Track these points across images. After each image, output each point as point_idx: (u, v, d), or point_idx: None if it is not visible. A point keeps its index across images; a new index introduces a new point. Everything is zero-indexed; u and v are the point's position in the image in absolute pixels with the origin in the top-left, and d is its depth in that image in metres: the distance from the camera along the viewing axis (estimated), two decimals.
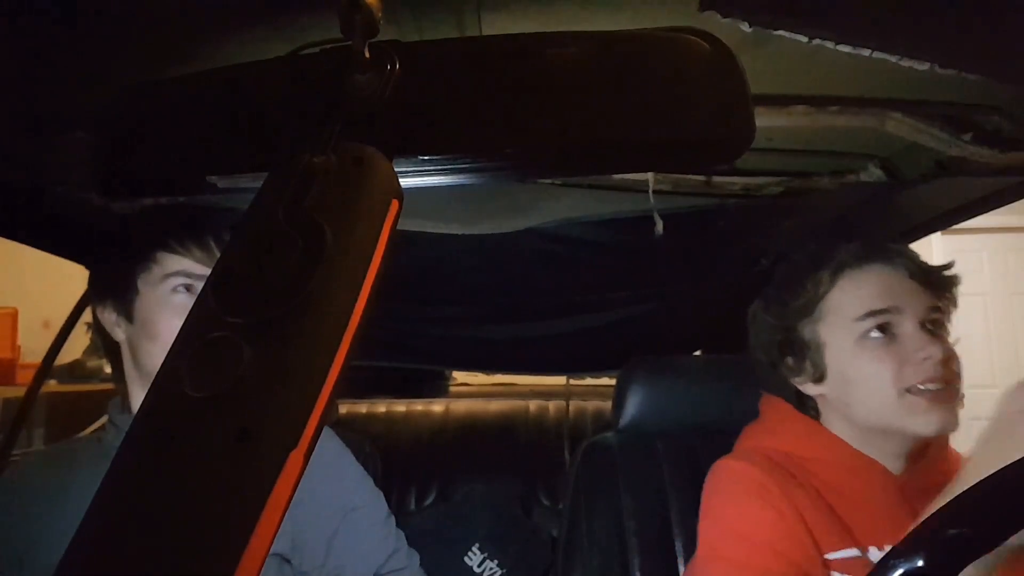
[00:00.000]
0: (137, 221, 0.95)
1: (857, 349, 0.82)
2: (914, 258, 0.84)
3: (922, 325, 0.82)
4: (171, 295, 0.90)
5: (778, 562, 0.76)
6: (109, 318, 0.94)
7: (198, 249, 0.90)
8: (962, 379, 0.81)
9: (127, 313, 0.92)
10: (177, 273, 0.90)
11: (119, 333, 0.94)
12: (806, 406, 0.91)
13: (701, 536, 0.84)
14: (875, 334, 0.82)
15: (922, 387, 0.79)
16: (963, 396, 0.80)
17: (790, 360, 0.90)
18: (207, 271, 0.91)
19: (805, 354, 0.87)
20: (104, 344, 0.98)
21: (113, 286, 0.94)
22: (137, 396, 0.94)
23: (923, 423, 0.78)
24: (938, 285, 0.84)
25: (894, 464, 0.84)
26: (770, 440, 0.90)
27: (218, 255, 0.92)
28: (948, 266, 0.86)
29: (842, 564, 0.77)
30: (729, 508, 0.83)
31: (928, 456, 0.85)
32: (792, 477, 0.83)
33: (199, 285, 0.91)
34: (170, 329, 0.90)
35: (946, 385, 0.79)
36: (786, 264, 0.91)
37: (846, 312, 0.84)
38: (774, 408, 0.94)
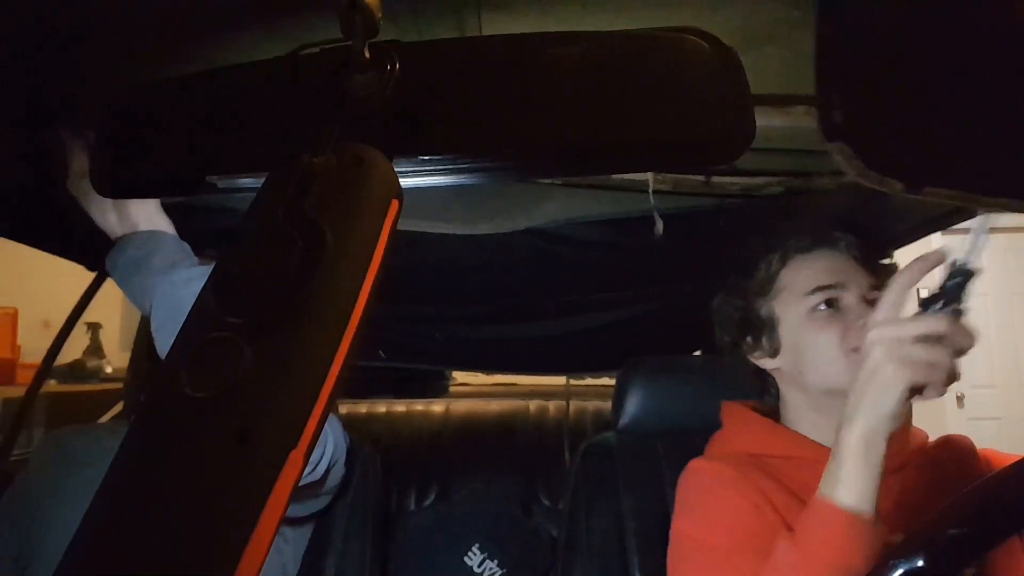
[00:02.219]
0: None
1: (807, 321, 0.90)
2: (858, 244, 0.92)
3: (864, 299, 0.89)
4: None
5: (763, 550, 0.78)
6: None
7: None
8: None
9: None
10: None
11: None
12: (766, 383, 0.98)
13: (678, 531, 0.88)
14: (822, 307, 0.90)
15: (858, 348, 0.85)
16: None
17: (749, 338, 0.97)
18: None
19: (762, 331, 0.95)
20: None
21: None
22: None
23: None
24: (879, 268, 0.93)
25: None
26: (736, 444, 0.94)
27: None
28: (888, 255, 0.97)
29: None
30: (708, 501, 0.87)
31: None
32: (764, 475, 0.87)
33: None
34: None
35: None
36: (744, 252, 0.99)
37: (797, 288, 0.92)
38: (734, 413, 0.99)
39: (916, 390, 0.65)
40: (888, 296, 0.69)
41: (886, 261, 0.95)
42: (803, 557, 0.68)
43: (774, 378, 0.97)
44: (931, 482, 0.86)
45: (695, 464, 0.93)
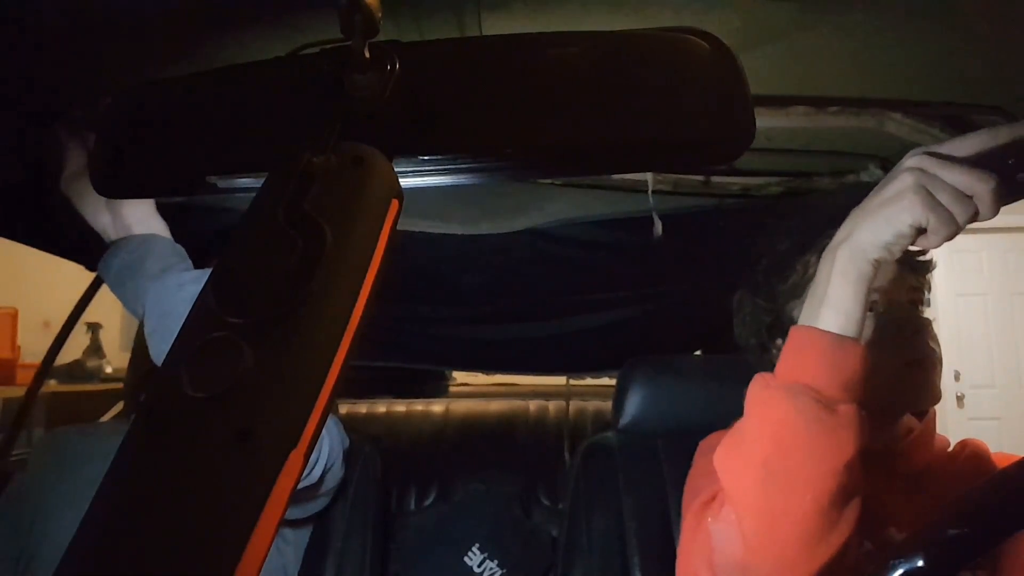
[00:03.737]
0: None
1: None
2: None
3: (911, 302, 0.85)
4: None
5: None
6: None
7: None
8: (940, 349, 0.84)
9: None
10: None
11: None
12: None
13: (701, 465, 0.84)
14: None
15: (916, 360, 0.82)
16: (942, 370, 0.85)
17: (780, 341, 0.90)
18: None
19: None
20: None
21: None
22: None
23: (920, 394, 0.82)
24: (917, 268, 0.87)
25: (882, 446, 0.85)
26: None
27: None
28: (924, 251, 0.89)
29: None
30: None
31: (911, 442, 0.87)
32: None
33: None
34: None
35: (935, 357, 0.82)
36: (773, 250, 0.92)
37: None
38: None
39: (919, 231, 0.60)
40: (964, 140, 0.61)
41: (924, 258, 0.89)
42: (785, 381, 0.64)
43: None
44: (950, 488, 0.83)
45: (715, 434, 0.89)
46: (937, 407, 0.89)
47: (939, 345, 0.84)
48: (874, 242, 0.62)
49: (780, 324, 0.90)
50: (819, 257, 0.84)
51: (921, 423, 0.89)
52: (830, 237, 0.85)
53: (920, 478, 0.85)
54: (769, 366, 0.90)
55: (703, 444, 0.92)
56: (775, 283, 0.91)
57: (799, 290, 0.88)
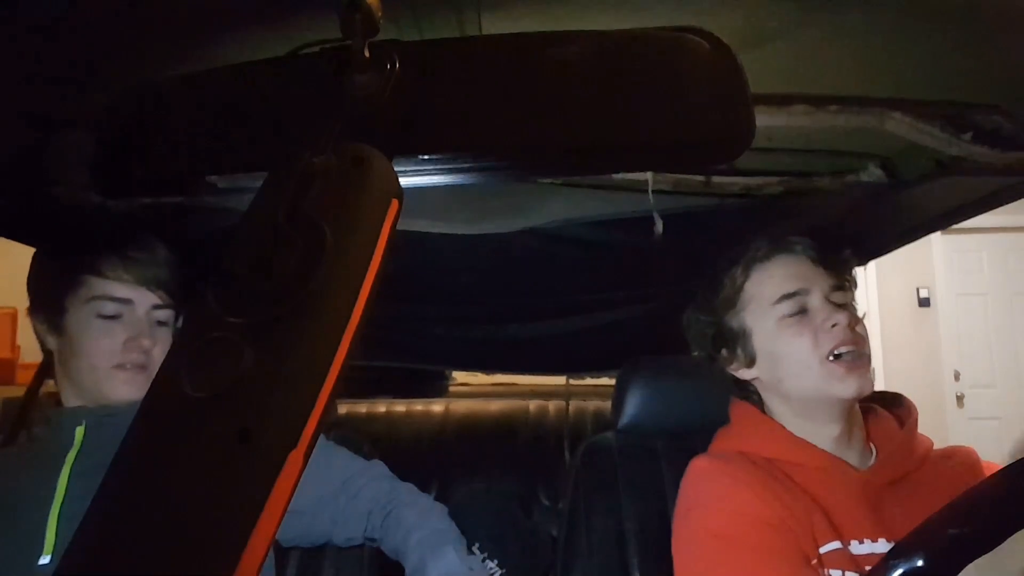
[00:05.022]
0: (71, 241, 0.96)
1: (778, 329, 0.93)
2: (814, 246, 0.95)
3: (828, 300, 0.92)
4: (94, 318, 0.91)
5: (778, 536, 0.81)
6: (40, 327, 0.97)
7: (124, 272, 0.92)
8: (869, 343, 0.92)
9: (56, 326, 0.94)
10: (99, 297, 0.91)
11: (50, 342, 0.97)
12: (747, 392, 0.99)
13: (702, 530, 0.87)
14: (791, 314, 0.92)
15: (838, 352, 0.89)
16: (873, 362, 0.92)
17: (724, 351, 0.99)
18: (131, 293, 0.92)
19: (735, 343, 0.97)
20: (40, 347, 1.00)
21: (43, 300, 0.96)
22: (68, 399, 0.96)
23: (843, 387, 0.88)
24: (837, 267, 0.95)
25: (830, 440, 0.92)
26: (743, 444, 0.95)
27: (150, 274, 0.93)
28: (843, 250, 0.97)
29: (830, 557, 0.81)
30: (727, 496, 0.87)
31: (892, 451, 0.91)
32: (768, 475, 0.88)
33: (124, 308, 0.92)
34: (96, 349, 0.91)
35: (857, 349, 0.89)
36: (710, 269, 1.02)
37: (763, 299, 0.95)
38: (743, 413, 0.99)
39: None
40: None
41: (840, 256, 0.96)
42: None
43: (755, 386, 0.98)
44: (934, 493, 0.84)
45: (701, 463, 0.93)
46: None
47: (866, 341, 0.91)
48: None
49: (721, 334, 0.99)
50: (743, 269, 0.97)
51: (902, 430, 0.93)
52: (753, 248, 0.96)
53: (900, 485, 0.88)
54: (719, 373, 1.01)
55: (692, 472, 0.94)
56: (712, 297, 1.00)
57: (732, 301, 0.97)
